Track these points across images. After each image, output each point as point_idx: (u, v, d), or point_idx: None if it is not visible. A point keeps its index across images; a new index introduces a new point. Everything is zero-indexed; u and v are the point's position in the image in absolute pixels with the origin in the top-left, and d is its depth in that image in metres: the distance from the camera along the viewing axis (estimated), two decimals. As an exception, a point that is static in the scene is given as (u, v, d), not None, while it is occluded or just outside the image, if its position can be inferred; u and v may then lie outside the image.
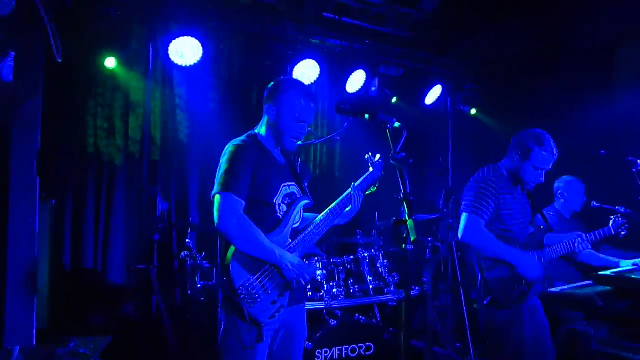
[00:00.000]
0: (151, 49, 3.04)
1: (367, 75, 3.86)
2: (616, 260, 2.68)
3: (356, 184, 1.83)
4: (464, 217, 2.02)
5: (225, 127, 3.64)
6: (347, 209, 1.80)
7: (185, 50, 3.13)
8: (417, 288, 3.13)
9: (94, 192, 3.32)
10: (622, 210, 2.71)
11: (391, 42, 3.98)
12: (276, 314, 1.60)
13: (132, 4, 3.07)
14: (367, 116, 1.57)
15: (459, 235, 2.02)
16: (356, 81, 3.86)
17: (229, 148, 1.66)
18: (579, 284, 2.47)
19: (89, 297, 3.17)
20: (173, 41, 3.08)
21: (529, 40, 3.76)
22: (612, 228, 2.54)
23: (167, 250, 3.27)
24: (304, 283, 1.66)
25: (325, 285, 2.70)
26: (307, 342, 2.38)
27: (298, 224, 1.73)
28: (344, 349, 2.52)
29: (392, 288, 2.84)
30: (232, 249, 1.59)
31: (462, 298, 3.01)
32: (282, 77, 1.82)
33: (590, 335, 2.21)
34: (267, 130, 1.73)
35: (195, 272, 2.77)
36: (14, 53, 2.42)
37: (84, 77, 3.23)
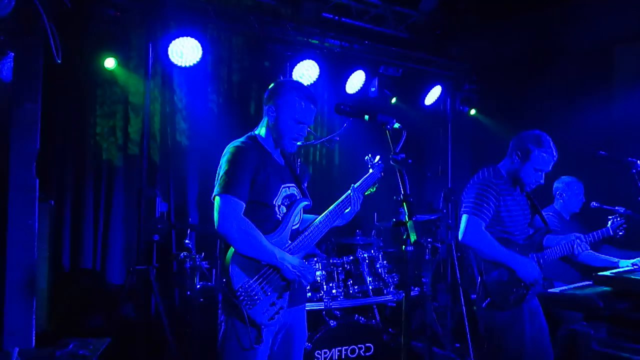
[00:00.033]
0: (151, 49, 3.04)
1: (366, 75, 3.87)
2: (616, 260, 2.68)
3: (356, 185, 1.83)
4: (464, 218, 2.02)
5: (224, 128, 3.64)
6: (347, 210, 1.79)
7: (185, 51, 3.13)
8: (416, 289, 3.14)
9: (93, 193, 3.31)
10: (622, 210, 2.71)
11: (390, 42, 3.98)
12: (276, 316, 1.60)
13: (132, 4, 3.07)
14: (366, 117, 1.57)
15: (459, 237, 2.02)
16: (356, 81, 3.86)
17: (228, 149, 1.65)
18: (579, 284, 2.46)
19: (88, 298, 3.17)
20: (172, 42, 3.08)
21: (527, 41, 3.77)
22: (610, 229, 2.55)
23: (166, 251, 3.27)
24: (305, 284, 1.66)
25: (325, 286, 2.69)
26: (306, 343, 2.37)
27: (298, 225, 1.73)
28: (343, 350, 2.52)
29: (391, 289, 2.84)
30: (232, 250, 1.59)
31: (462, 298, 3.01)
32: (282, 78, 1.82)
33: (590, 336, 2.20)
34: (267, 131, 1.73)
35: (194, 273, 2.77)
36: (13, 53, 2.42)
37: (84, 77, 3.22)
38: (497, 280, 2.00)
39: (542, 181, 2.10)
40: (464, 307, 2.96)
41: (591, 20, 3.44)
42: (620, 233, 2.59)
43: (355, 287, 2.79)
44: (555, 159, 2.08)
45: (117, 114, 3.38)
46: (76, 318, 3.06)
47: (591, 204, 2.87)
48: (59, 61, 2.28)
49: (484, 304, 2.00)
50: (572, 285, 2.42)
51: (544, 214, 2.30)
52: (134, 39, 3.31)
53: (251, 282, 1.57)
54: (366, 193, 1.87)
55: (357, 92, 3.90)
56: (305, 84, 3.01)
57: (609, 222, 2.60)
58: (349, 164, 4.27)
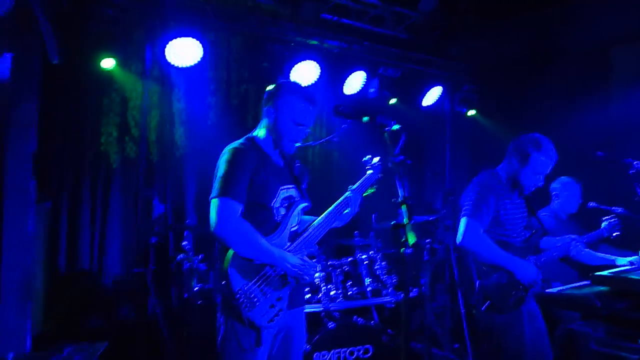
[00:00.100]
0: (149, 49, 3.02)
1: (366, 76, 3.86)
2: (613, 257, 2.69)
3: (354, 187, 1.83)
4: (463, 221, 2.02)
5: (223, 129, 3.62)
6: (346, 211, 1.79)
7: (183, 52, 3.11)
8: (415, 289, 3.13)
9: (91, 194, 3.29)
10: (619, 211, 2.72)
11: (390, 43, 3.98)
12: (275, 318, 1.60)
13: (131, 4, 3.05)
14: (365, 119, 1.56)
15: (458, 240, 2.02)
16: (355, 82, 3.85)
17: (226, 151, 1.65)
18: (577, 284, 2.47)
19: (85, 300, 3.15)
20: (171, 42, 3.06)
21: (527, 41, 3.78)
22: (605, 230, 2.57)
23: (163, 253, 3.25)
24: (308, 280, 1.64)
25: (323, 288, 2.69)
26: (305, 345, 2.37)
27: (296, 226, 1.73)
28: (342, 352, 2.52)
29: (390, 290, 2.84)
30: (231, 252, 1.58)
31: (460, 299, 3.00)
32: (281, 79, 1.82)
33: (588, 336, 2.21)
34: (266, 133, 1.73)
35: (192, 275, 2.76)
36: (10, 54, 2.40)
37: (81, 78, 3.20)
38: (496, 283, 2.00)
39: (542, 184, 2.11)
40: (462, 308, 2.96)
41: (590, 20, 3.45)
42: (615, 234, 2.60)
43: (354, 288, 2.78)
44: (554, 162, 2.08)
45: (115, 114, 3.36)
46: (73, 320, 3.04)
47: (589, 204, 2.87)
48: (55, 62, 2.27)
49: (483, 307, 2.00)
50: (570, 285, 2.44)
51: (541, 214, 2.31)
52: (132, 39, 3.29)
53: (250, 284, 1.57)
54: (365, 194, 1.86)
55: (356, 93, 3.89)
56: (304, 85, 3.01)
57: (604, 223, 2.62)
58: (348, 165, 4.26)
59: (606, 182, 3.13)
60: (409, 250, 1.32)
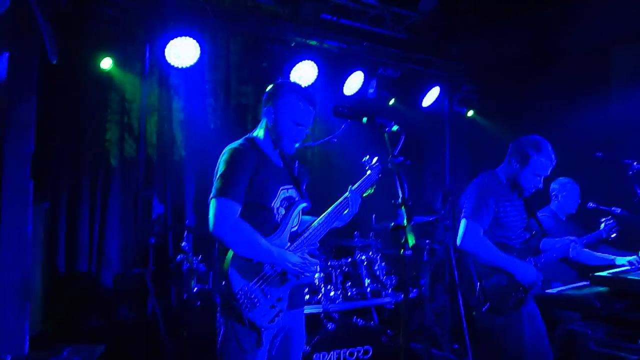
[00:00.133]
0: (148, 49, 3.02)
1: (365, 76, 3.86)
2: (612, 257, 2.69)
3: (354, 187, 1.82)
4: (463, 223, 2.02)
5: (222, 130, 3.61)
6: (345, 211, 1.79)
7: (182, 52, 3.10)
8: (414, 290, 3.13)
9: (89, 194, 3.28)
10: (618, 211, 2.72)
11: (389, 43, 3.98)
12: (275, 318, 1.59)
13: (130, 4, 3.05)
14: (364, 119, 1.56)
15: (458, 242, 2.02)
16: (354, 82, 3.85)
17: (226, 152, 1.64)
18: (576, 284, 2.47)
19: (83, 301, 3.13)
20: (170, 42, 3.06)
21: (527, 42, 3.78)
22: (603, 231, 2.57)
23: (162, 253, 3.24)
24: (307, 276, 1.64)
25: (323, 289, 2.68)
26: (304, 346, 2.36)
27: (296, 227, 1.72)
28: (342, 352, 2.51)
29: (389, 291, 2.84)
30: (231, 253, 1.58)
31: (460, 299, 3.00)
32: (281, 80, 1.81)
33: (588, 336, 2.21)
34: (266, 133, 1.72)
35: (191, 276, 2.75)
36: (8, 53, 2.40)
37: (80, 78, 3.19)
38: (496, 285, 2.00)
39: (541, 185, 2.11)
40: (462, 308, 2.96)
41: (590, 20, 3.44)
42: (613, 235, 2.61)
43: (354, 289, 2.78)
44: (554, 163, 2.09)
45: (114, 114, 3.35)
46: (71, 321, 3.03)
47: (588, 204, 2.88)
48: (54, 62, 2.26)
49: (483, 308, 2.00)
50: (569, 286, 2.44)
51: (540, 215, 2.31)
52: (131, 39, 3.27)
53: (251, 284, 1.57)
54: (364, 195, 1.86)
55: (355, 93, 3.89)
56: (304, 85, 3.00)
57: (602, 225, 2.62)
58: (347, 166, 4.25)
59: (605, 182, 3.13)
60: (408, 252, 1.32)
